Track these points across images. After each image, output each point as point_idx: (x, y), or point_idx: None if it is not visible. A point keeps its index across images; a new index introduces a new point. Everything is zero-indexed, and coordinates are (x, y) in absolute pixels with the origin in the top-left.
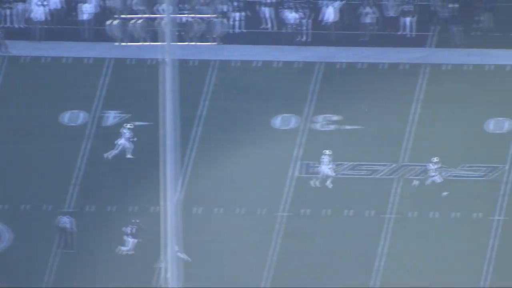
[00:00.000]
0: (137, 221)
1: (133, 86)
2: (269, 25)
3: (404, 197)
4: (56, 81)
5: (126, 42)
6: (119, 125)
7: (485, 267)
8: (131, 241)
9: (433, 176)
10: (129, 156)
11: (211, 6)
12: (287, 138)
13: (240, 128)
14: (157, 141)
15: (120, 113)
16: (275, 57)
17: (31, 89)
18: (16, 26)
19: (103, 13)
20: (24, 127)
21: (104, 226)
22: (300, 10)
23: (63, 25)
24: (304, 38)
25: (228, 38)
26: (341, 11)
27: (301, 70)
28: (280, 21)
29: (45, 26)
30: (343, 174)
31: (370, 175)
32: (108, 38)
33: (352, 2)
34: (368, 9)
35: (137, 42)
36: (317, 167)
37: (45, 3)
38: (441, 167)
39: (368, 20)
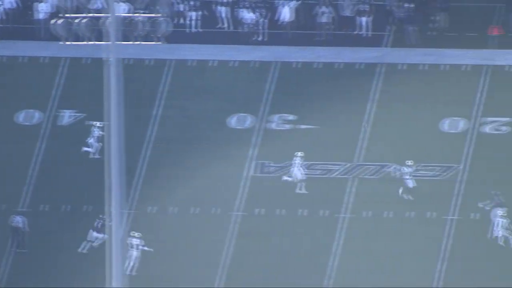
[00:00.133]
0: (104, 217)
1: (89, 85)
2: (225, 25)
3: (358, 196)
4: (11, 80)
5: (71, 41)
6: (74, 124)
7: (438, 266)
8: (94, 235)
9: (407, 179)
10: (92, 156)
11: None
12: (243, 138)
13: (195, 128)
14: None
15: (75, 113)
16: (231, 56)
17: None
18: None
19: (59, 12)
20: None
21: (57, 225)
22: (257, 10)
23: (18, 24)
24: (260, 38)
25: (184, 38)
26: (297, 10)
27: (257, 69)
28: (236, 21)
29: (0, 26)
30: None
31: (325, 174)
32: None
33: (308, 1)
34: (324, 9)
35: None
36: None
37: None
38: (415, 170)
39: (324, 19)
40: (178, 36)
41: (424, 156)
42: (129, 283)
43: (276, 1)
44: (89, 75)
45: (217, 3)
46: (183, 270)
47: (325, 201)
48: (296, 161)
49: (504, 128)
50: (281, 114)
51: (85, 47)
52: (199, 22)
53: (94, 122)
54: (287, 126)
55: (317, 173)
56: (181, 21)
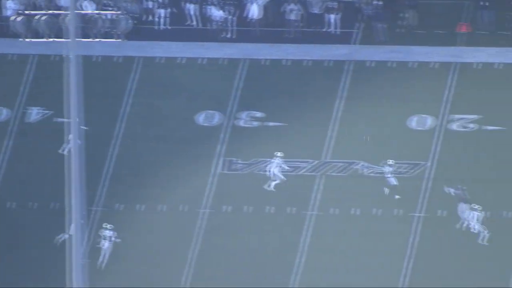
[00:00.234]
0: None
1: (57, 82)
2: (194, 22)
3: (326, 194)
4: None
5: (31, 38)
6: (42, 121)
7: (404, 264)
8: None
9: (389, 177)
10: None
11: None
12: (211, 135)
13: (163, 125)
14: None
15: (43, 110)
16: (200, 54)
17: None
18: None
19: (28, 9)
20: None
21: (24, 223)
22: (225, 7)
23: None
24: (228, 35)
25: (153, 35)
26: (266, 8)
27: (225, 66)
28: (205, 18)
29: None
30: (264, 171)
31: (292, 171)
32: (33, 35)
33: None
34: (292, 6)
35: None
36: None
37: None
38: (396, 169)
39: (292, 17)
40: (147, 33)
41: (392, 153)
42: (98, 277)
43: None
44: (57, 72)
45: (185, 1)
46: (150, 267)
47: (293, 198)
48: (275, 161)
49: (471, 125)
50: (249, 111)
51: (53, 44)
52: (167, 19)
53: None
54: (255, 123)
55: (285, 170)
56: (150, 18)
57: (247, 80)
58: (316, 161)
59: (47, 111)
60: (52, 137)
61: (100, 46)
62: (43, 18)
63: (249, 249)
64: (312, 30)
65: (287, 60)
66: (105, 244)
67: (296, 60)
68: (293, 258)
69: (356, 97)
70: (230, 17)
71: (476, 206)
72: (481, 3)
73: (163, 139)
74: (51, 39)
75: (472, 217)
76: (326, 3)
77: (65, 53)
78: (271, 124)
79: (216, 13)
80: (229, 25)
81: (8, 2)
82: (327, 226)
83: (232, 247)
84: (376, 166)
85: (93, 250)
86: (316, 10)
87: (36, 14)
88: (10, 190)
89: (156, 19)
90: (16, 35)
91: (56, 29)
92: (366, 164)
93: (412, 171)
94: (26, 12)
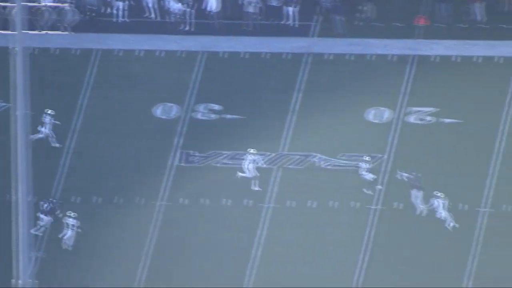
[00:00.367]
0: (54, 200)
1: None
2: (153, 15)
3: (283, 186)
4: None
5: None
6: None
7: (361, 256)
8: (45, 218)
9: (365, 175)
10: (54, 145)
11: None
12: (168, 127)
13: (121, 117)
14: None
15: (1, 102)
16: (158, 46)
17: None
18: None
19: None
20: None
21: None
22: (184, 0)
23: None
24: (187, 28)
25: (111, 27)
26: (224, 0)
27: (184, 59)
28: (164, 11)
29: None
30: (223, 164)
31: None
32: None
33: None
34: None
35: None
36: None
37: None
38: (372, 166)
39: (251, 9)
40: (105, 25)
41: (349, 146)
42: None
43: None
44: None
45: None
46: (105, 262)
47: (249, 191)
48: (249, 157)
49: (428, 118)
50: (207, 104)
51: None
52: (126, 12)
53: (46, 110)
54: (213, 116)
55: (242, 162)
56: (108, 10)
57: (205, 72)
58: (273, 154)
59: (4, 104)
60: (9, 129)
61: (58, 39)
62: None
63: (206, 242)
64: (270, 23)
65: (245, 52)
66: (68, 233)
67: (254, 53)
68: (250, 251)
69: (314, 89)
70: (188, 9)
71: (439, 194)
72: None
73: (120, 131)
74: None
75: (437, 205)
76: None
77: (12, 45)
78: (228, 116)
79: (175, 5)
80: (187, 17)
81: None
82: (283, 218)
83: (189, 240)
84: (333, 159)
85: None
86: (274, 3)
87: None
88: None
89: (114, 12)
90: None
91: (3, 21)
92: (323, 156)
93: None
94: None
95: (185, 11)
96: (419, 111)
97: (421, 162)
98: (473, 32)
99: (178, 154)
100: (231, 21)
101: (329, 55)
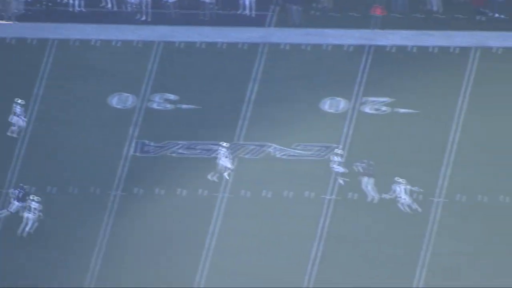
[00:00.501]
0: (25, 186)
1: None
2: (109, 5)
3: (237, 176)
4: None
5: None
6: None
7: (315, 246)
8: (16, 204)
9: (336, 168)
10: (14, 134)
11: None
12: (124, 117)
13: (77, 107)
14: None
15: None
16: (114, 36)
17: None
18: None
19: None
20: None
21: None
22: None
23: None
24: (143, 18)
25: (68, 17)
26: None
27: (140, 49)
28: (120, 1)
29: None
30: (179, 154)
31: (204, 154)
32: None
33: None
34: None
35: None
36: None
37: None
38: (343, 160)
39: None
40: (62, 15)
41: (304, 136)
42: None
43: None
44: None
45: None
46: (59, 252)
47: (205, 180)
48: (221, 151)
49: (384, 108)
50: (163, 94)
51: None
52: (82, 1)
53: (16, 99)
54: (169, 106)
55: (197, 152)
56: (65, 0)
57: (161, 62)
58: (228, 144)
59: None
60: None
61: (14, 28)
62: None
63: (160, 232)
64: (227, 13)
65: (201, 42)
66: (29, 216)
67: (210, 43)
68: (204, 240)
69: (270, 80)
70: None
71: (400, 180)
72: None
73: (76, 121)
74: None
75: (399, 191)
76: None
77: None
78: (184, 106)
79: None
80: (144, 7)
81: None
82: (238, 208)
83: (143, 230)
84: (288, 149)
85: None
86: None
87: None
88: None
89: (71, 1)
90: None
91: None
92: (278, 146)
93: (324, 153)
94: None
95: (141, 1)
96: (374, 101)
97: (376, 152)
98: (429, 22)
99: (133, 144)
100: (188, 11)
101: (285, 45)
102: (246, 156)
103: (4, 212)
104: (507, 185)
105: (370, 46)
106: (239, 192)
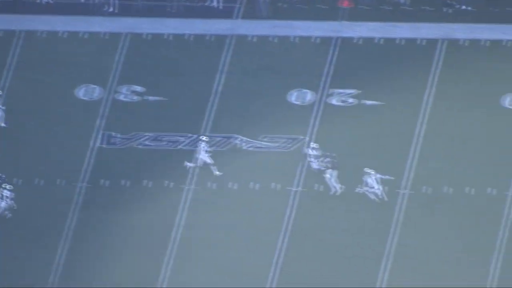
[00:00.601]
0: (3, 175)
1: None
2: None
3: (204, 168)
4: None
5: None
6: None
7: (280, 238)
8: None
9: (312, 162)
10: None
11: None
12: (90, 109)
13: (44, 99)
14: None
15: None
16: (82, 27)
17: None
18: None
19: None
20: None
21: None
22: None
23: None
24: (111, 9)
25: (35, 9)
26: None
27: (107, 41)
28: None
29: None
30: (145, 145)
31: (171, 146)
32: None
33: None
34: None
35: None
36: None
37: None
38: (321, 154)
39: None
40: (29, 6)
41: (271, 128)
42: None
43: None
44: None
45: None
46: (24, 243)
47: (171, 172)
48: (201, 146)
49: (350, 100)
50: (129, 86)
51: None
52: None
53: None
54: (136, 98)
55: (163, 144)
56: None
57: (128, 54)
58: (195, 136)
59: None
60: None
61: None
62: None
63: (126, 224)
64: (194, 5)
65: (168, 34)
66: (1, 204)
67: (177, 35)
68: (170, 233)
69: (237, 71)
70: None
71: (369, 170)
72: None
73: (43, 113)
74: None
75: (371, 182)
76: None
77: None
78: (151, 98)
79: None
80: None
81: None
82: (204, 200)
83: (109, 222)
84: (255, 141)
85: None
86: None
87: None
88: None
89: None
90: None
91: None
92: (244, 138)
93: (290, 145)
94: None
95: None
96: (341, 93)
97: (343, 144)
98: (396, 14)
99: (100, 136)
100: (155, 2)
101: (253, 37)
102: (213, 148)
103: None
104: (473, 177)
105: (337, 38)
106: (206, 184)
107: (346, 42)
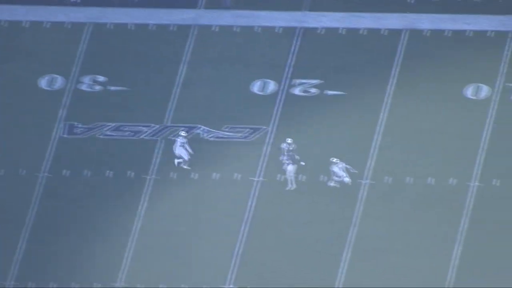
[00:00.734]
0: None
1: None
2: None
3: (166, 158)
4: None
5: None
6: None
7: (242, 227)
8: None
9: (288, 155)
10: None
11: None
12: (53, 99)
13: (6, 89)
14: None
15: None
16: (45, 17)
17: None
18: None
19: None
20: None
21: None
22: None
23: None
24: None
25: None
26: None
27: (70, 30)
28: None
29: None
30: (107, 135)
31: (133, 136)
32: None
33: None
34: None
35: None
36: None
37: None
38: (294, 148)
39: None
40: None
41: (234, 118)
42: None
43: None
44: None
45: None
46: None
47: (133, 163)
48: (178, 140)
49: (313, 90)
50: (92, 75)
51: None
52: None
53: None
54: (98, 88)
55: (126, 134)
56: None
57: (91, 44)
58: (158, 126)
59: None
60: None
61: None
62: None
63: (87, 214)
64: None
65: (132, 24)
66: None
67: (141, 24)
68: (132, 223)
69: (200, 61)
70: None
71: (335, 159)
72: None
73: (5, 103)
74: None
75: (338, 171)
76: None
77: None
78: (114, 88)
79: None
80: None
81: None
82: (166, 190)
83: (70, 211)
84: (217, 131)
85: None
86: None
87: None
88: None
89: None
90: None
91: None
92: (207, 128)
93: (253, 136)
94: None
95: None
96: (304, 83)
97: (305, 134)
98: (360, 5)
99: (62, 126)
100: None
101: (216, 27)
102: (175, 138)
103: None
104: (434, 167)
105: (300, 29)
106: (168, 174)
107: (310, 32)
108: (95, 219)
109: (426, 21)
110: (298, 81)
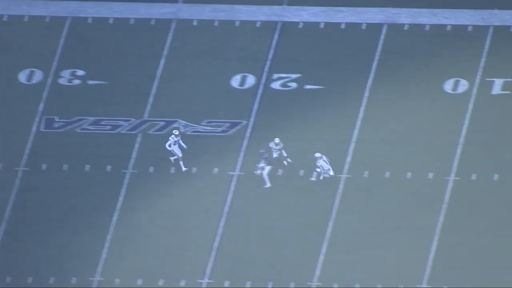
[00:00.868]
0: None
1: None
2: None
3: (144, 152)
4: None
5: None
6: None
7: (221, 222)
8: None
9: (274, 152)
10: None
11: None
12: (32, 93)
13: None
14: None
15: None
16: (24, 11)
17: None
18: None
19: None
20: None
21: None
22: None
23: None
24: None
25: None
26: None
27: (49, 24)
28: None
29: None
30: (85, 129)
31: (112, 130)
32: None
33: None
34: None
35: None
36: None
37: None
38: (282, 147)
39: None
40: None
41: (213, 112)
42: None
43: None
44: None
45: None
46: None
47: (112, 157)
48: (171, 139)
49: (292, 84)
50: (72, 70)
51: None
52: None
53: None
54: (77, 82)
55: (105, 128)
56: None
57: (70, 38)
58: (137, 120)
59: None
60: None
61: None
62: None
63: (65, 208)
64: None
65: (111, 18)
66: None
67: (120, 18)
68: (110, 217)
69: (180, 56)
70: None
71: (318, 154)
72: None
73: None
74: None
75: (323, 165)
76: None
77: None
78: (93, 82)
79: None
80: None
81: None
82: (144, 184)
83: (49, 206)
84: (196, 125)
85: None
86: None
87: None
88: None
89: None
90: None
91: None
92: (186, 123)
93: (232, 130)
94: None
95: None
96: (283, 77)
97: (284, 129)
98: None
99: (41, 120)
100: None
101: (195, 21)
102: (153, 132)
103: None
104: (413, 162)
105: (280, 22)
106: (147, 169)
107: (289, 26)
108: (73, 213)
109: (405, 16)
110: (277, 75)
